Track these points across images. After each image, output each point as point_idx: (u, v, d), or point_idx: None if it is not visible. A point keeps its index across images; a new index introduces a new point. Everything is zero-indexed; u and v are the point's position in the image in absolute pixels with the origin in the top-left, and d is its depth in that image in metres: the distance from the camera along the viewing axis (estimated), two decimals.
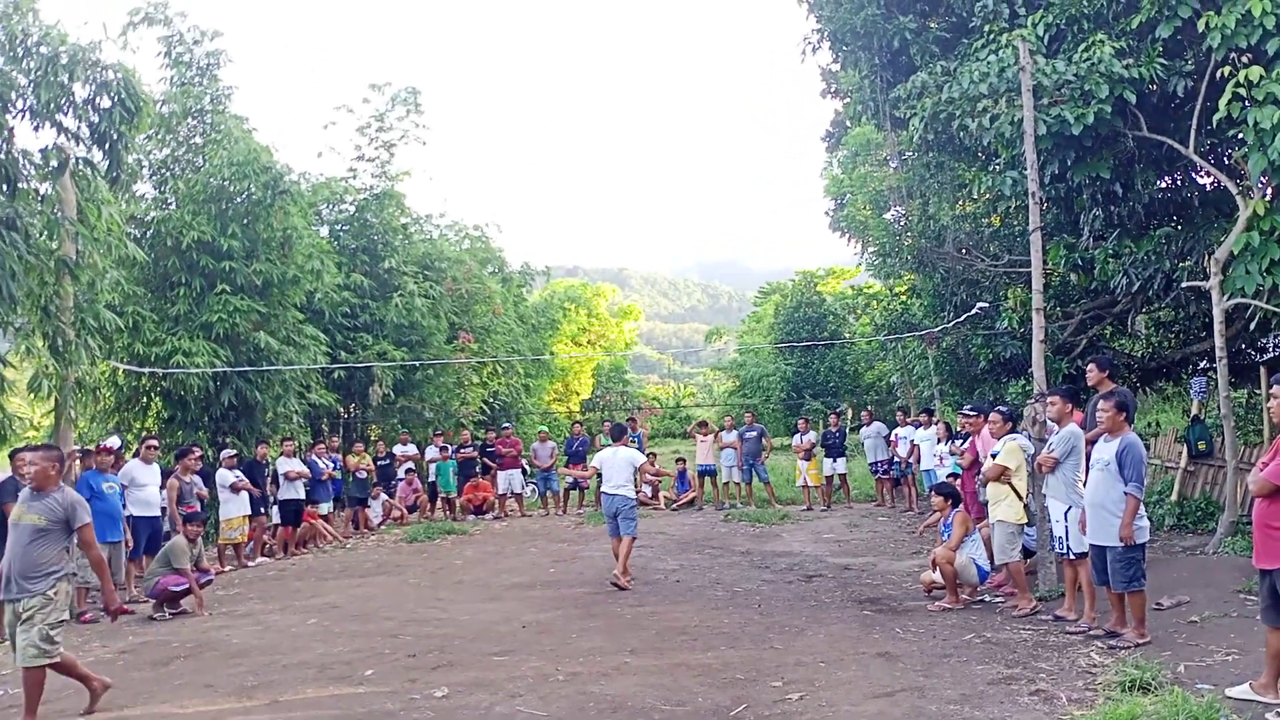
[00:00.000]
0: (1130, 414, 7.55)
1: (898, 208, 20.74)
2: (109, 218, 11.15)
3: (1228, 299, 10.23)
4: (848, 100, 19.25)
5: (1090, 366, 9.40)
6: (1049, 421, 8.82)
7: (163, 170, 16.61)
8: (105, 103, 10.67)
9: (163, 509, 12.07)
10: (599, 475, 11.77)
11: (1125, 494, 7.14)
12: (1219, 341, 10.41)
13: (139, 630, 9.68)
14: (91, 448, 11.71)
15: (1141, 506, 7.26)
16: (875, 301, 26.60)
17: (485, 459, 18.96)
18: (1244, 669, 6.22)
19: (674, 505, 18.90)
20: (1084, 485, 8.33)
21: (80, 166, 10.78)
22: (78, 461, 10.94)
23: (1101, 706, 5.61)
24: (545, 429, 20.55)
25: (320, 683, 7.25)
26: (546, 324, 32.56)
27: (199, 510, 11.81)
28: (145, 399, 16.17)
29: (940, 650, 7.45)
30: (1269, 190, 9.89)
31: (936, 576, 9.36)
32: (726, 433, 18.64)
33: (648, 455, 19.57)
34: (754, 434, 18.21)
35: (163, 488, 12.13)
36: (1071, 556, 8.10)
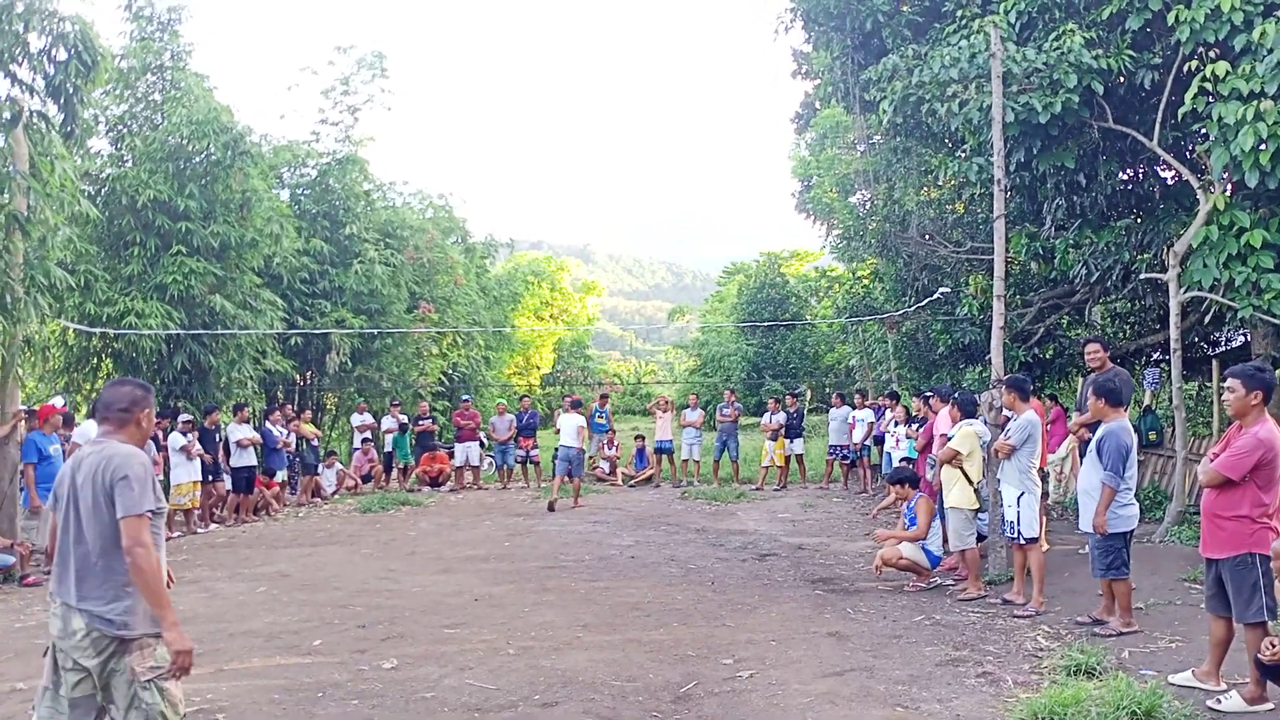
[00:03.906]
0: (1114, 399, 7.21)
1: (864, 191, 20.78)
2: (62, 173, 10.85)
3: (1184, 292, 10.33)
4: (818, 82, 19.20)
5: (1094, 347, 9.07)
6: (1005, 410, 8.86)
7: (119, 126, 16.20)
8: (61, 55, 10.35)
9: None
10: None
11: (1101, 482, 7.04)
12: (1174, 334, 10.54)
13: None
14: (36, 408, 11.46)
15: (1129, 494, 7.09)
16: (838, 284, 26.74)
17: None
18: (1187, 656, 6.31)
19: (631, 481, 18.93)
20: (1037, 473, 8.43)
21: (34, 119, 10.44)
22: (23, 422, 10.71)
23: (1046, 690, 5.66)
24: (504, 401, 20.44)
25: (267, 652, 7.16)
26: (508, 296, 32.28)
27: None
28: (95, 360, 15.85)
29: (890, 631, 7.51)
30: (1230, 185, 9.98)
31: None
32: (690, 410, 18.68)
33: (608, 432, 19.67)
34: (732, 411, 18.45)
35: None
36: (1021, 541, 8.18)
